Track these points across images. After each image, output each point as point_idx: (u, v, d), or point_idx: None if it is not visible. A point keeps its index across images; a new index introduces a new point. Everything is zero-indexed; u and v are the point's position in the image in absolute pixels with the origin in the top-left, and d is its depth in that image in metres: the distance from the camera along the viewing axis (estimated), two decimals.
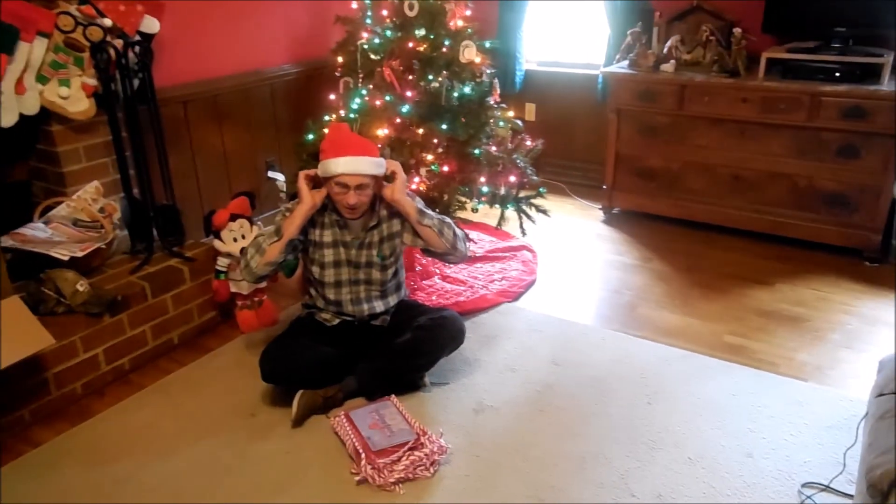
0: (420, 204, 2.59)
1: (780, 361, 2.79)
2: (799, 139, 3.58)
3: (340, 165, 2.37)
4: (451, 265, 3.42)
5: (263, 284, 2.95)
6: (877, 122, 3.32)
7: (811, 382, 2.65)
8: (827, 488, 2.12)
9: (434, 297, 3.23)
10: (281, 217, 2.53)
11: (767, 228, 3.81)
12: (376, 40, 3.17)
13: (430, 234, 2.52)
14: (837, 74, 3.45)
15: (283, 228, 2.46)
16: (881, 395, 1.88)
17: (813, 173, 3.60)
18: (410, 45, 3.13)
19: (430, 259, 3.44)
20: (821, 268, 3.56)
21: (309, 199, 2.46)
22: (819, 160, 3.55)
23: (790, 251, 3.73)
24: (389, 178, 2.50)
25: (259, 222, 3.07)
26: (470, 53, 3.15)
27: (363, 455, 2.19)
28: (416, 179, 3.10)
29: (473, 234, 3.84)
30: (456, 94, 3.12)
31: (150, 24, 2.97)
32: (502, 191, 3.28)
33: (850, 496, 2.07)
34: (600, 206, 4.36)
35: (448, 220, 2.59)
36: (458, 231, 2.59)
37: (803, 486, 2.14)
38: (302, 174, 2.49)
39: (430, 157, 3.09)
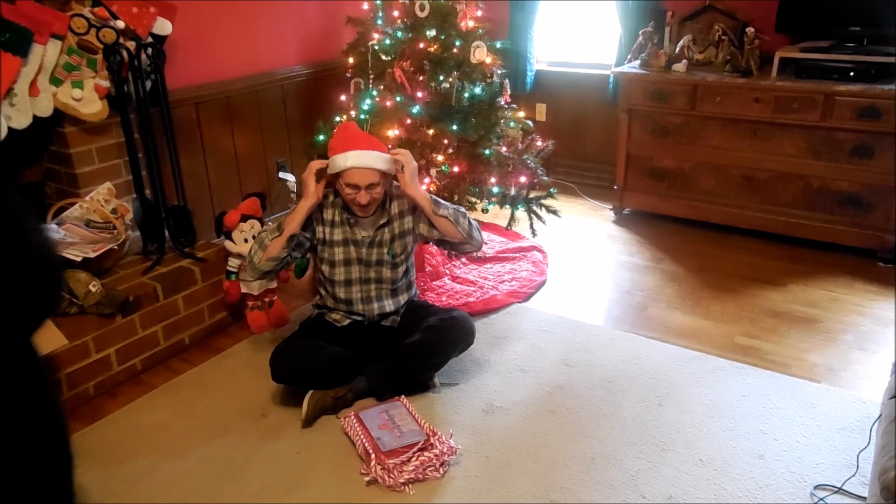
0: None
1: (792, 363, 2.77)
2: (812, 139, 3.55)
3: (349, 159, 2.38)
4: (466, 255, 3.41)
5: (274, 285, 2.97)
6: (891, 121, 3.29)
7: (824, 384, 2.63)
8: (839, 490, 2.11)
9: (444, 298, 3.23)
10: (287, 214, 2.54)
11: (780, 229, 3.78)
12: (387, 41, 3.18)
13: (446, 224, 2.52)
14: (851, 74, 3.41)
15: (284, 223, 2.48)
16: (895, 397, 1.86)
17: (826, 173, 3.57)
18: (421, 45, 3.13)
19: (440, 260, 3.45)
20: (834, 269, 3.53)
21: (314, 194, 2.47)
22: (833, 160, 3.53)
23: (803, 252, 3.70)
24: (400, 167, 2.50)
25: (270, 223, 3.08)
26: (480, 54, 3.15)
27: (373, 455, 2.20)
28: (427, 180, 3.10)
29: (484, 235, 3.82)
30: (466, 95, 3.12)
31: (163, 26, 2.99)
32: (513, 191, 3.28)
33: (863, 498, 2.06)
34: (611, 207, 4.34)
35: (462, 209, 2.58)
36: (472, 220, 2.59)
37: (815, 487, 2.12)
38: (312, 166, 2.49)
39: (440, 158, 3.09)
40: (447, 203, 2.56)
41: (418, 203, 2.51)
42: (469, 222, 2.56)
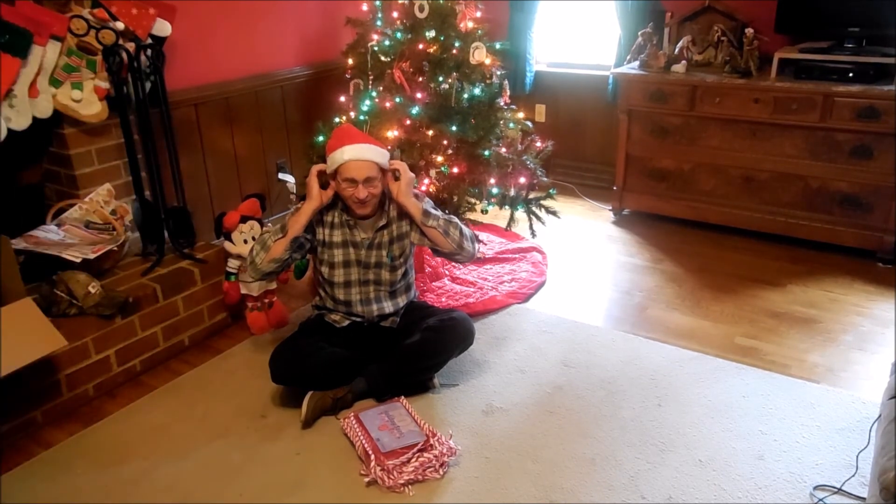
0: (429, 205, 2.60)
1: (792, 363, 2.77)
2: (811, 140, 3.55)
3: (346, 153, 2.41)
4: (461, 265, 3.43)
5: (274, 286, 2.97)
6: (890, 122, 3.29)
7: (823, 384, 2.63)
8: (839, 491, 2.11)
9: (444, 299, 3.22)
10: (290, 216, 2.55)
11: (779, 230, 3.78)
12: (386, 42, 3.18)
13: (436, 235, 2.54)
14: (850, 75, 3.42)
15: (288, 225, 2.48)
16: (894, 397, 1.86)
17: (825, 174, 3.57)
18: (421, 46, 3.13)
19: (439, 261, 3.45)
20: (833, 269, 3.53)
21: (317, 196, 2.48)
22: (832, 161, 3.53)
23: (802, 252, 3.70)
24: (396, 175, 2.52)
25: (269, 224, 3.08)
26: (480, 55, 3.15)
27: (373, 456, 2.20)
28: (426, 181, 3.10)
29: (483, 236, 3.83)
30: (466, 96, 3.12)
31: (162, 28, 2.99)
32: (512, 192, 3.27)
33: (863, 499, 2.06)
34: (610, 208, 4.34)
35: (455, 219, 2.59)
36: (465, 230, 2.59)
37: (815, 488, 2.12)
38: (314, 169, 2.52)
39: (439, 159, 3.09)
40: (439, 213, 2.56)
41: (408, 212, 2.53)
42: (461, 233, 2.57)
